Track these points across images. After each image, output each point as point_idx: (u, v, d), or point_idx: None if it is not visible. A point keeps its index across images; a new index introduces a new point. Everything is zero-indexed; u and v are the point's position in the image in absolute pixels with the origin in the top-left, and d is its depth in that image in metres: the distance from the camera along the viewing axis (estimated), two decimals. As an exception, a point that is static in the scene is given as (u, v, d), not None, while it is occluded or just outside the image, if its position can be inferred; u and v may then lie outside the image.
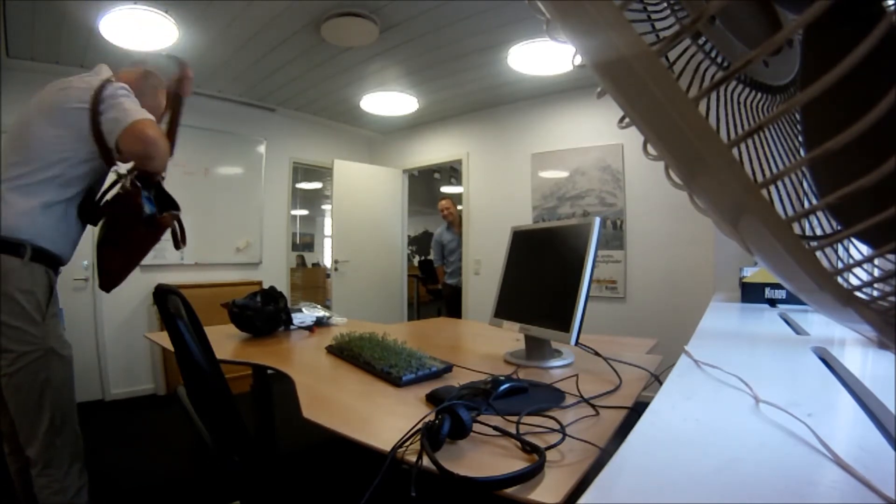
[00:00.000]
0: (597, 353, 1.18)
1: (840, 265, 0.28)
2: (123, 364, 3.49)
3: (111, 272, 1.48)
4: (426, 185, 8.50)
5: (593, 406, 0.85)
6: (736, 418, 0.54)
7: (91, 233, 1.50)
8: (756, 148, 0.38)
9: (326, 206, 9.47)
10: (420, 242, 10.52)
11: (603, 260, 3.65)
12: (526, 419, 0.77)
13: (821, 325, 1.22)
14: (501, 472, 0.58)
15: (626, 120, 0.30)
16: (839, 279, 0.28)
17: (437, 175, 8.33)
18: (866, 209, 0.24)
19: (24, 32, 2.77)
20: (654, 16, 0.39)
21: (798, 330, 1.17)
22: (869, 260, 0.27)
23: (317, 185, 8.64)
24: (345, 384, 1.11)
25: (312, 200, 9.93)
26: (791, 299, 1.59)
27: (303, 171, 5.86)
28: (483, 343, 1.62)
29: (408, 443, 0.69)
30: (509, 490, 0.57)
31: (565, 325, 1.08)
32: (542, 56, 3.16)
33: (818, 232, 0.37)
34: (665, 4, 0.39)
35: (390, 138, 5.26)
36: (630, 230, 3.59)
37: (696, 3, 0.37)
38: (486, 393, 0.89)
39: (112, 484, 2.10)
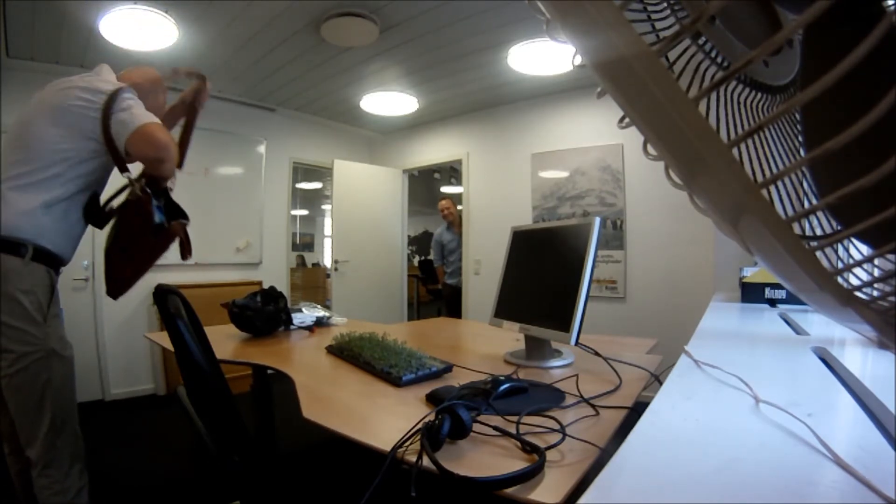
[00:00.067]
0: (597, 353, 1.18)
1: (840, 265, 0.28)
2: (123, 364, 3.49)
3: (120, 279, 1.47)
4: (426, 185, 8.51)
5: (593, 406, 0.85)
6: (736, 418, 0.54)
7: (91, 233, 1.50)
8: (756, 148, 0.38)
9: (326, 206, 9.48)
10: (420, 242, 10.52)
11: (603, 260, 3.65)
12: (526, 419, 0.77)
13: (821, 325, 1.22)
14: (501, 472, 0.58)
15: (626, 120, 0.30)
16: (839, 279, 0.28)
17: (437, 175, 8.33)
18: (866, 209, 0.24)
19: (24, 32, 2.77)
20: (654, 16, 0.39)
21: (798, 330, 1.17)
22: (869, 260, 0.27)
23: (317, 185, 8.65)
24: (345, 384, 1.11)
25: (312, 200, 9.93)
26: (791, 299, 1.59)
27: (303, 171, 5.86)
28: (483, 343, 1.62)
29: (408, 443, 0.69)
30: (509, 490, 0.57)
31: (565, 325, 1.08)
32: (542, 56, 3.16)
33: (818, 232, 0.37)
34: (665, 4, 0.39)
35: (390, 138, 5.26)
36: (630, 230, 3.59)
37: (696, 3, 0.37)
38: (486, 393, 0.89)
39: (112, 484, 2.10)
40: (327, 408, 0.94)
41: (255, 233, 4.26)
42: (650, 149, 0.31)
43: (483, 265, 4.39)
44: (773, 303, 1.63)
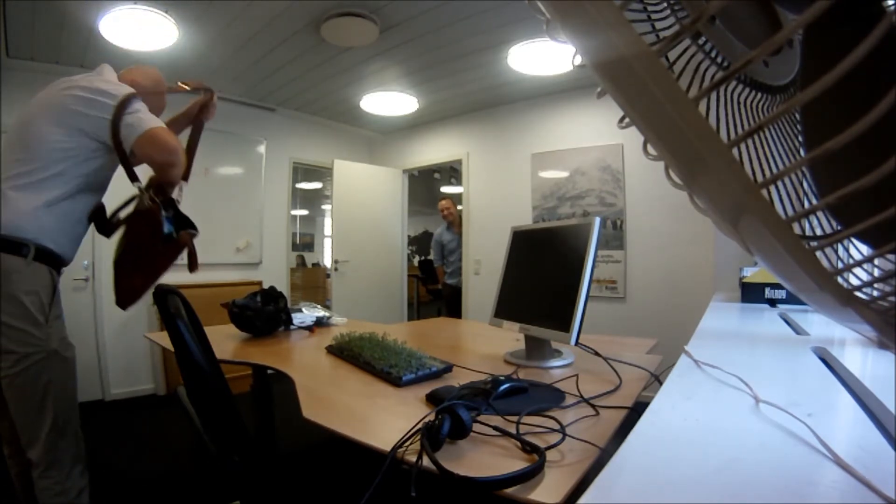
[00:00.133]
0: (597, 353, 1.18)
1: (840, 265, 0.28)
2: (123, 364, 3.49)
3: (129, 290, 1.45)
4: (426, 185, 8.51)
5: (593, 406, 0.85)
6: (736, 418, 0.54)
7: (91, 233, 1.50)
8: (756, 148, 0.38)
9: (326, 206, 9.47)
10: (420, 242, 10.52)
11: (603, 260, 3.65)
12: (526, 419, 0.77)
13: (821, 325, 1.22)
14: (501, 472, 0.58)
15: (626, 120, 0.30)
16: (839, 279, 0.28)
17: (437, 175, 8.33)
18: (866, 209, 0.24)
19: (24, 32, 2.77)
20: (654, 16, 0.39)
21: (798, 330, 1.17)
22: (869, 260, 0.27)
23: (317, 185, 8.64)
24: (345, 384, 1.11)
25: (312, 200, 9.93)
26: (791, 299, 1.59)
27: (303, 171, 5.85)
28: (483, 343, 1.62)
29: (408, 443, 0.69)
30: (509, 490, 0.57)
31: (565, 325, 1.08)
32: (542, 56, 3.16)
33: (818, 232, 0.37)
34: (665, 4, 0.39)
35: (390, 138, 5.26)
36: (630, 230, 3.59)
37: (696, 3, 0.37)
38: (486, 393, 0.89)
39: (112, 484, 2.10)
40: (327, 408, 0.94)
41: (255, 233, 4.26)
42: (650, 149, 0.31)
43: (483, 265, 4.38)
44: (773, 303, 1.63)
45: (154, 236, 1.40)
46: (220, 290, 3.15)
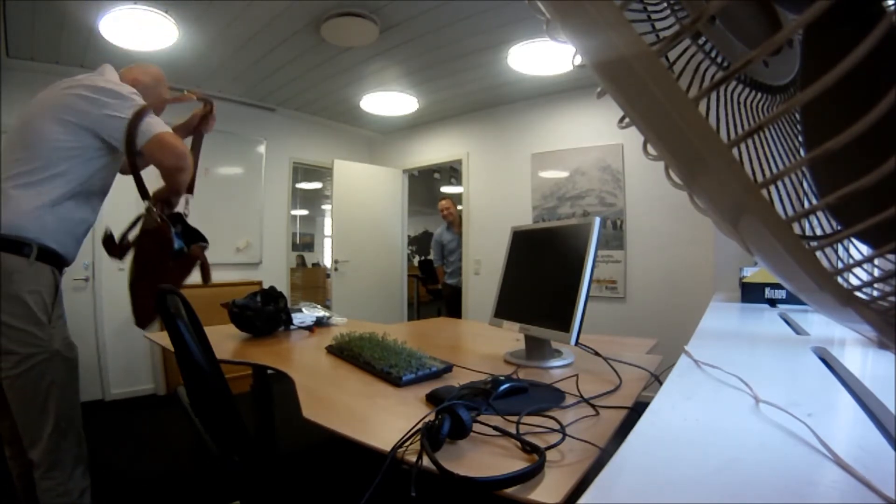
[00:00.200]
0: (597, 353, 1.18)
1: (840, 265, 0.28)
2: (123, 364, 3.49)
3: (147, 309, 1.45)
4: (426, 185, 8.51)
5: (593, 406, 0.85)
6: (736, 418, 0.54)
7: (92, 233, 1.50)
8: (756, 148, 0.38)
9: (326, 206, 9.48)
10: (420, 242, 10.52)
11: (603, 260, 3.65)
12: (526, 419, 0.77)
13: (821, 325, 1.22)
14: (501, 472, 0.58)
15: (626, 120, 0.30)
16: (839, 279, 0.28)
17: (437, 175, 8.33)
18: (866, 209, 0.24)
19: (24, 32, 2.77)
20: (654, 16, 0.39)
21: (798, 330, 1.17)
22: (869, 260, 0.27)
23: (317, 185, 8.64)
24: (345, 384, 1.11)
25: (312, 200, 9.93)
26: (791, 299, 1.59)
27: (303, 171, 5.85)
28: (483, 343, 1.62)
29: (408, 443, 0.69)
30: (509, 490, 0.57)
31: (565, 325, 1.08)
32: (542, 56, 3.16)
33: (818, 232, 0.37)
34: (665, 4, 0.39)
35: (390, 138, 5.26)
36: (630, 230, 3.59)
37: (696, 3, 0.37)
38: (486, 393, 0.89)
39: (112, 484, 2.10)
40: (327, 408, 0.94)
41: (255, 233, 4.26)
42: (650, 149, 0.31)
43: (483, 265, 4.38)
44: (773, 303, 1.63)
45: (164, 254, 1.40)
46: (220, 290, 3.15)
